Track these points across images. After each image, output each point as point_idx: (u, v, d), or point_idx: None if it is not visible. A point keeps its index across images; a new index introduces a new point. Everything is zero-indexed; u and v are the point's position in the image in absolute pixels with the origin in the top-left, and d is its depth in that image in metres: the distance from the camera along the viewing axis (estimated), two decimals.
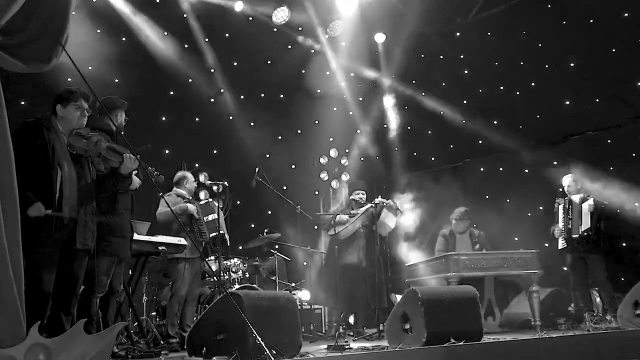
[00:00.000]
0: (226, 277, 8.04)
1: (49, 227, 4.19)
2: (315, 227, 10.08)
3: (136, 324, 6.91)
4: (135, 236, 6.01)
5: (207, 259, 7.70)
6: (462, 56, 11.75)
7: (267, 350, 3.91)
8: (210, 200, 7.72)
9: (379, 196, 7.97)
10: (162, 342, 6.72)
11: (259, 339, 3.95)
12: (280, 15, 10.98)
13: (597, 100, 9.95)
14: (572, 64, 10.16)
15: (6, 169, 3.19)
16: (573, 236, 7.94)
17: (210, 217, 7.40)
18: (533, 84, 10.67)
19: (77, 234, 4.36)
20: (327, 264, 7.93)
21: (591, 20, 9.94)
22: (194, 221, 7.26)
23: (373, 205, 7.80)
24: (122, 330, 5.97)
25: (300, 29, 11.74)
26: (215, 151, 10.75)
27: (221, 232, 7.31)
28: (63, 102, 4.55)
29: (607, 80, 9.79)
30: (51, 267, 4.24)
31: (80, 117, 4.57)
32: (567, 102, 10.23)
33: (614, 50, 9.73)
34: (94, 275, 4.72)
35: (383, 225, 7.87)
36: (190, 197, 7.51)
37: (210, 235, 7.30)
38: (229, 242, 7.83)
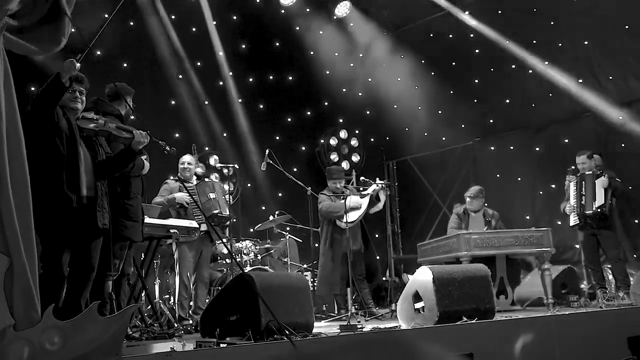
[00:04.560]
0: (238, 260, 8.06)
1: (68, 200, 4.20)
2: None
3: (149, 306, 6.97)
4: (147, 220, 6.05)
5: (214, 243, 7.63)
6: (472, 35, 11.66)
7: (279, 330, 3.94)
8: (207, 179, 7.63)
9: (377, 179, 8.02)
10: (175, 325, 6.76)
11: (275, 318, 3.97)
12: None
13: (610, 78, 9.85)
14: (585, 42, 10.04)
15: (17, 152, 3.21)
16: (586, 212, 7.89)
17: (209, 197, 7.29)
18: (547, 62, 10.56)
19: (97, 213, 4.38)
20: (334, 252, 7.87)
21: None
22: (186, 207, 7.17)
23: (382, 185, 7.82)
24: (135, 313, 6.02)
25: (307, 10, 11.71)
26: (225, 134, 10.77)
27: (215, 210, 7.20)
28: None
29: (620, 57, 9.69)
30: (68, 249, 4.26)
31: (71, 100, 4.48)
32: (580, 80, 10.12)
33: (627, 27, 9.60)
34: (107, 257, 4.74)
35: (378, 205, 7.99)
36: (192, 179, 7.42)
37: (207, 216, 7.17)
38: (229, 220, 7.70)
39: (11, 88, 3.25)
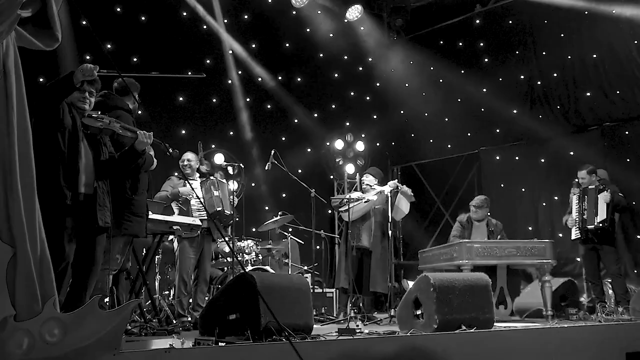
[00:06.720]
0: (239, 259, 8.06)
1: (62, 196, 4.19)
2: (330, 211, 10.11)
3: (149, 302, 6.97)
4: (150, 215, 6.06)
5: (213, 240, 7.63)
6: (481, 44, 11.69)
7: (278, 331, 3.94)
8: (212, 177, 7.65)
9: (396, 180, 7.98)
10: (174, 321, 6.77)
11: (276, 319, 3.98)
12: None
13: (618, 92, 9.84)
14: (594, 55, 10.04)
15: (24, 142, 3.22)
16: (588, 227, 7.88)
17: (213, 194, 7.31)
18: (555, 75, 10.57)
19: (98, 212, 4.36)
20: (346, 245, 7.93)
21: (613, 11, 9.83)
22: (189, 202, 7.19)
23: (390, 188, 7.81)
24: (135, 308, 6.03)
25: (319, 12, 11.73)
26: (231, 132, 10.79)
27: (218, 208, 7.20)
28: None
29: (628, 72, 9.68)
30: (71, 242, 4.26)
31: (79, 100, 4.46)
32: (588, 94, 10.12)
33: (635, 42, 9.59)
34: (107, 252, 4.74)
35: (398, 210, 7.87)
36: (194, 176, 7.45)
37: (210, 212, 7.19)
38: (232, 219, 7.69)
39: (21, 80, 3.26)
